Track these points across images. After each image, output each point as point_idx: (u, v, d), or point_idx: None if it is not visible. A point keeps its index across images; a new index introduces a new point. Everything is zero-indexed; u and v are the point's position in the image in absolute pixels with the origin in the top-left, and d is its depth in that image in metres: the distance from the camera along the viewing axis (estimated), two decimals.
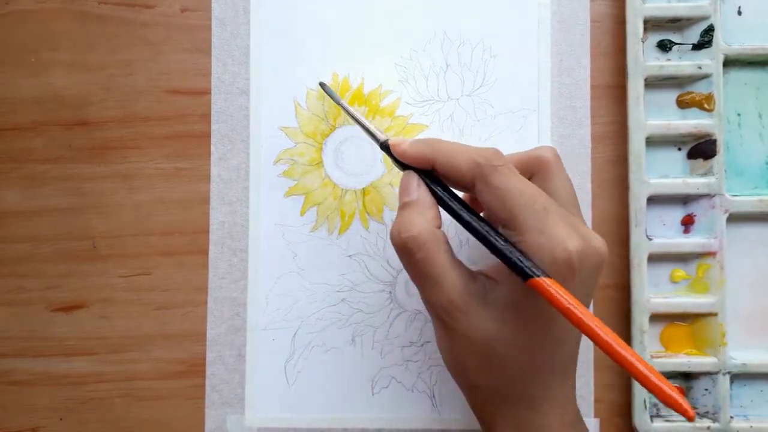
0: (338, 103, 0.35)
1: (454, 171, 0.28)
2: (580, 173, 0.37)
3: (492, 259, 0.28)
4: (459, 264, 0.28)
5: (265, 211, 0.38)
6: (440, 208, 0.29)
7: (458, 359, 0.29)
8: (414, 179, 0.30)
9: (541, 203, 0.26)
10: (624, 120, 0.37)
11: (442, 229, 0.29)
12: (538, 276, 0.25)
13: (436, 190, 0.29)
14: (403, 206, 0.29)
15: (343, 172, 0.38)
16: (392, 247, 0.29)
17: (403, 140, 0.30)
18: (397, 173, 0.38)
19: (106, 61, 0.39)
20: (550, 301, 0.25)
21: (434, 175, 0.30)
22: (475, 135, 0.38)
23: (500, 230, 0.27)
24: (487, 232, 0.27)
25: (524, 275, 0.25)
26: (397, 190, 0.38)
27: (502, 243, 0.26)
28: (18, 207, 0.39)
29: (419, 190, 0.29)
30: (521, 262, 0.26)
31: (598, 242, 0.27)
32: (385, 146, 0.31)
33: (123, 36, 0.39)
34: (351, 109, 0.34)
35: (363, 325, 0.38)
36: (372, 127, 0.32)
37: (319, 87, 0.37)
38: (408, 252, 0.28)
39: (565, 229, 0.26)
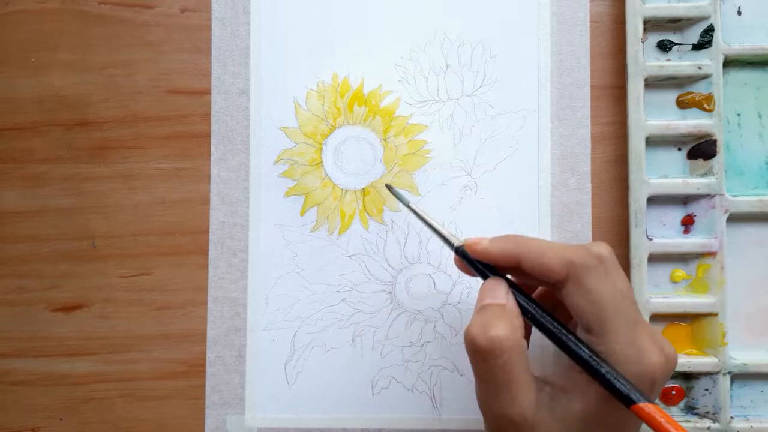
0: (407, 206, 0.34)
1: (542, 268, 0.27)
2: (580, 173, 0.38)
3: (556, 365, 0.27)
4: (533, 376, 0.27)
5: (265, 211, 0.38)
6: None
7: None
8: (503, 285, 0.28)
9: (632, 314, 0.26)
10: (624, 120, 0.37)
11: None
12: (642, 401, 0.24)
13: (521, 300, 0.28)
14: (487, 307, 0.28)
15: (343, 172, 0.38)
16: (466, 345, 0.27)
17: (479, 239, 0.29)
18: (398, 173, 0.38)
19: (106, 61, 0.39)
20: (653, 427, 0.24)
21: (514, 282, 0.29)
22: (475, 135, 0.38)
23: (582, 335, 0.27)
24: (584, 351, 0.26)
25: (628, 401, 0.25)
26: (397, 190, 0.38)
27: (604, 367, 0.26)
28: (18, 207, 0.39)
29: (508, 298, 0.28)
30: (625, 386, 0.25)
31: (672, 352, 0.27)
32: (460, 251, 0.30)
33: (123, 36, 0.39)
34: (421, 212, 0.33)
35: (363, 325, 0.38)
36: (445, 232, 0.31)
37: (386, 188, 0.37)
38: (488, 355, 0.26)
39: (650, 342, 0.26)
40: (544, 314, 0.28)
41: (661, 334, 0.28)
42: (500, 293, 0.28)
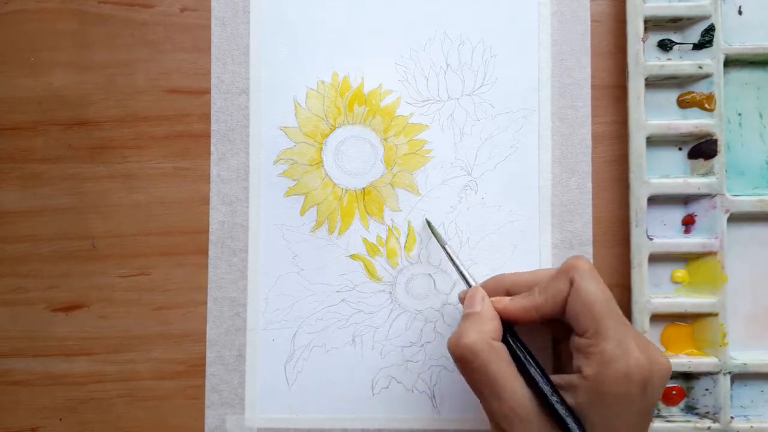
0: (442, 245, 0.36)
1: (555, 293, 0.30)
2: (580, 173, 0.37)
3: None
4: (518, 374, 0.29)
5: (265, 211, 0.38)
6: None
7: None
8: (479, 293, 0.32)
9: (620, 317, 0.29)
10: (624, 120, 0.37)
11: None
12: None
13: (520, 355, 0.30)
14: (465, 317, 0.31)
15: (343, 172, 0.38)
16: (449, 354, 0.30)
17: (501, 298, 0.32)
18: (398, 172, 0.38)
19: (105, 61, 0.39)
20: None
21: (517, 337, 0.31)
22: (475, 134, 0.38)
23: (576, 340, 0.29)
24: (555, 401, 0.28)
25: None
26: (397, 189, 0.38)
27: (568, 416, 0.28)
28: (18, 207, 0.39)
29: (483, 303, 0.31)
30: (565, 413, 0.28)
31: (664, 359, 0.29)
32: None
33: (123, 35, 0.39)
34: (452, 254, 0.35)
35: (363, 325, 0.38)
36: (467, 274, 0.34)
37: (426, 222, 0.38)
38: (464, 360, 0.29)
39: (636, 345, 0.28)
40: (531, 363, 0.30)
41: (651, 342, 0.30)
42: (476, 300, 0.31)
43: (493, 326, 0.30)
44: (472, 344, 0.29)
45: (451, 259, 0.35)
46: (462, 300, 0.34)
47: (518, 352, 0.30)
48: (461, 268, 0.34)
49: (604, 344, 0.28)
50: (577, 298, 0.29)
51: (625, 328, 0.28)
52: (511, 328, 0.31)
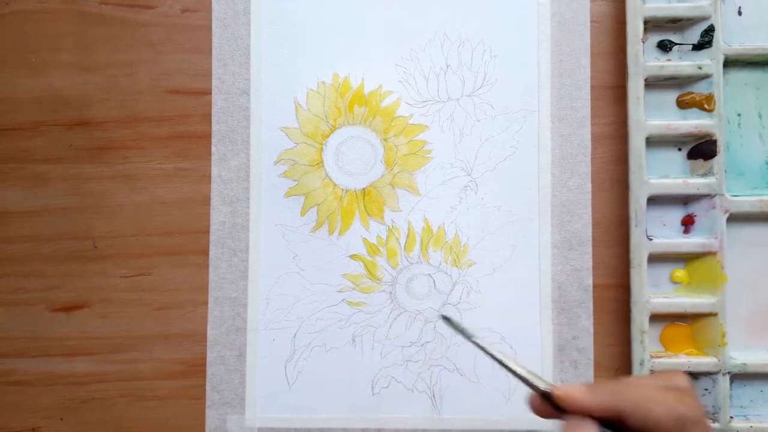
0: (470, 340, 0.28)
1: (650, 425, 0.24)
2: (580, 173, 0.38)
3: None
4: None
5: (266, 212, 0.38)
6: None
7: None
8: (589, 426, 0.25)
9: None
10: (624, 120, 0.37)
11: None
12: None
13: None
14: None
15: (343, 173, 0.38)
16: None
17: (574, 388, 0.25)
18: (398, 173, 0.38)
19: (106, 62, 0.39)
20: None
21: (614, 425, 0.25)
22: (475, 135, 0.38)
23: None
24: None
25: None
26: (397, 190, 0.38)
27: None
28: (19, 207, 0.39)
29: None
30: None
31: None
32: (547, 395, 0.26)
33: (123, 36, 0.39)
34: (492, 352, 0.27)
35: (363, 325, 0.38)
36: (530, 377, 0.26)
37: (443, 320, 0.30)
38: None
39: None
40: None
41: None
42: None
43: None
44: None
45: (510, 368, 0.26)
46: (535, 407, 0.26)
47: None
48: (526, 375, 0.26)
49: None
50: None
51: None
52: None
